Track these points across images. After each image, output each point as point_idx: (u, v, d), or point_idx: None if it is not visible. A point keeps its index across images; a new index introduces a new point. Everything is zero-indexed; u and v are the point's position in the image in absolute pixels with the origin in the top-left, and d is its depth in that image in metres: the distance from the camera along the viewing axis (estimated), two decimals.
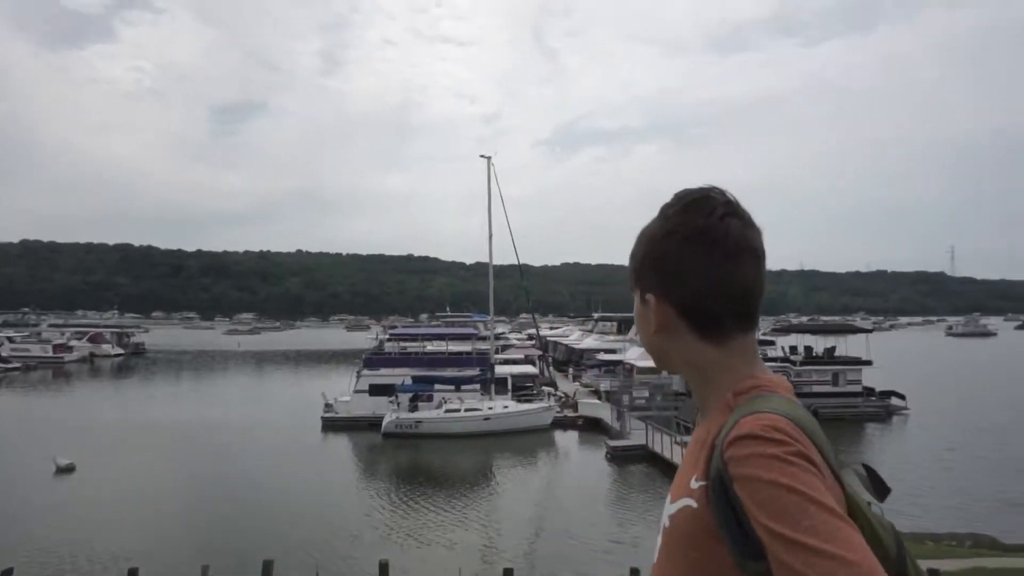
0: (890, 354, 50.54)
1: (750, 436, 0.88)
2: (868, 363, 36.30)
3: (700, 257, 1.04)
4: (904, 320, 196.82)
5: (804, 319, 76.24)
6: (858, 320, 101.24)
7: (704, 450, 0.98)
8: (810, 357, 37.30)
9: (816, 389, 34.73)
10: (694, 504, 0.96)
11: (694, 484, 0.97)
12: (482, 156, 37.87)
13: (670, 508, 1.01)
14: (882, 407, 35.78)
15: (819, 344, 38.58)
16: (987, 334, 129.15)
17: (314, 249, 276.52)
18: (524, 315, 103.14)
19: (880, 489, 1.04)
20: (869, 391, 36.26)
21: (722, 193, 1.08)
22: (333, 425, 32.43)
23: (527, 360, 44.36)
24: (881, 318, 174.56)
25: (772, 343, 42.25)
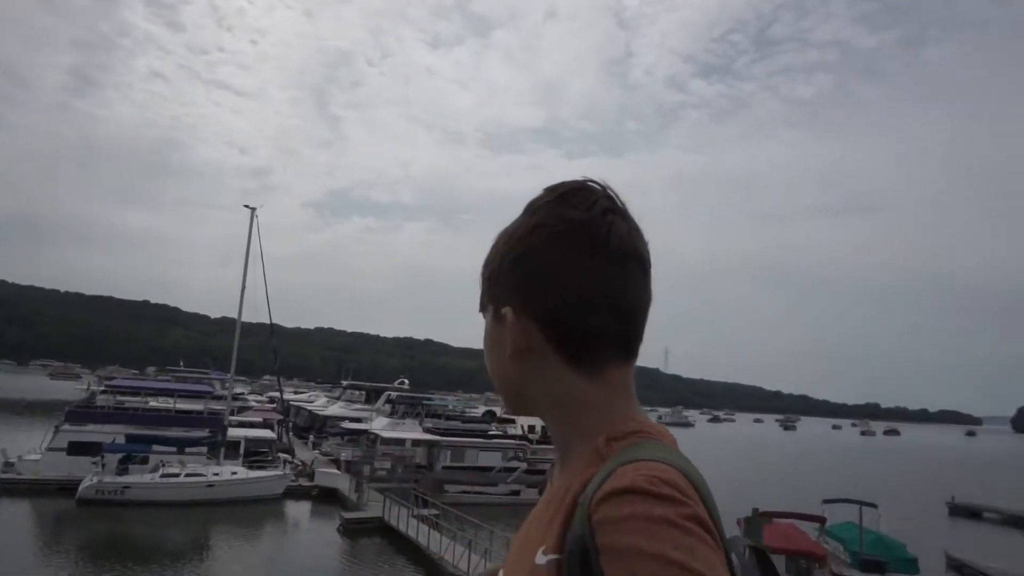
0: None
1: (631, 491, 0.63)
2: None
3: (575, 258, 0.78)
4: None
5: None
6: None
7: (560, 512, 0.71)
8: (545, 436, 39.61)
9: (548, 466, 36.86)
10: None
11: (541, 559, 0.70)
12: (247, 206, 35.94)
13: None
14: None
15: None
16: (687, 424, 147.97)
17: (22, 281, 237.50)
18: (268, 376, 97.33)
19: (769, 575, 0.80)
20: None
21: (602, 186, 0.83)
22: (12, 489, 27.15)
23: (265, 424, 41.57)
24: None
25: (512, 421, 44.36)
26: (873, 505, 24.16)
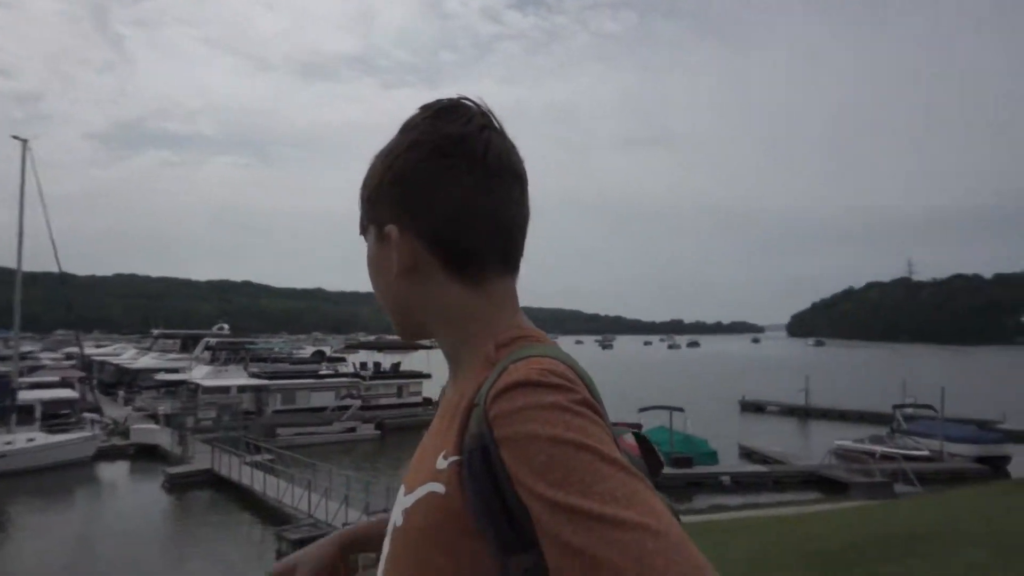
0: (442, 365, 56.48)
1: (523, 383, 0.66)
2: (428, 376, 40.09)
3: (456, 173, 0.79)
4: None
5: (372, 338, 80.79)
6: None
7: (457, 417, 0.73)
8: (378, 372, 39.62)
9: (383, 402, 37.08)
10: (442, 489, 0.70)
11: (442, 463, 0.72)
12: (15, 137, 31.11)
13: (403, 502, 0.76)
14: None
15: (386, 360, 41.29)
16: None
17: None
18: (62, 331, 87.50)
19: (653, 463, 0.85)
20: (428, 401, 40.07)
21: (476, 103, 0.83)
22: None
23: (64, 383, 37.65)
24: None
25: (343, 360, 43.77)
26: (680, 409, 27.08)
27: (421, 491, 0.73)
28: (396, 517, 0.77)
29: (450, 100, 0.83)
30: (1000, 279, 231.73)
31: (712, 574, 0.55)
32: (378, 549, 0.89)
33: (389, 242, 0.82)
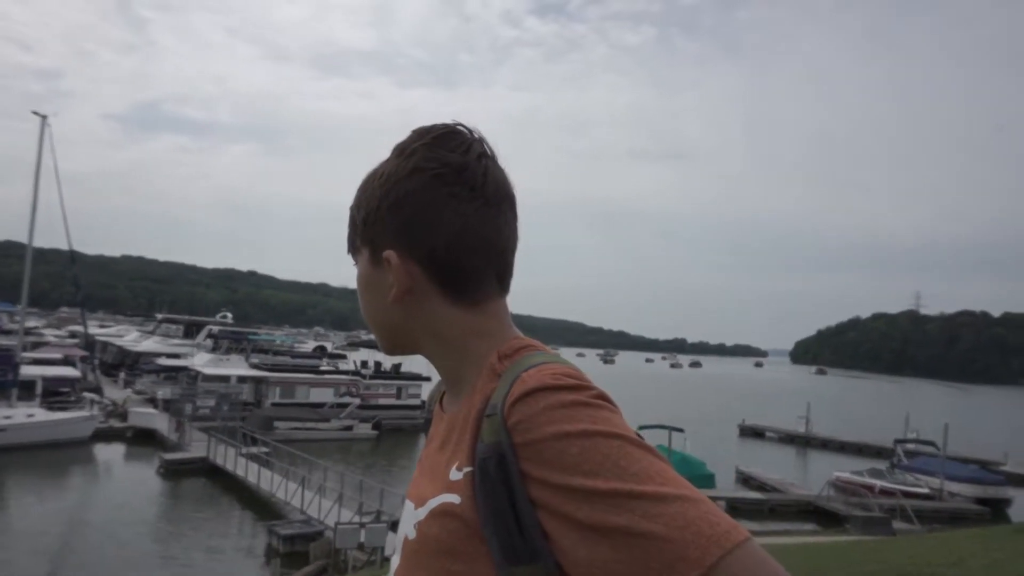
0: None
1: (539, 389, 0.68)
2: (427, 379, 40.00)
3: (457, 201, 0.81)
4: None
5: (374, 336, 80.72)
6: None
7: (467, 430, 0.75)
8: (379, 372, 39.55)
9: (382, 402, 37.00)
10: (457, 500, 0.72)
11: (456, 475, 0.73)
12: (35, 113, 31.29)
13: (416, 515, 0.77)
14: None
15: (387, 361, 41.21)
16: None
17: None
18: (67, 309, 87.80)
19: None
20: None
21: (471, 130, 0.85)
22: None
23: (67, 361, 37.77)
24: None
25: (344, 356, 43.73)
26: (680, 430, 26.87)
27: (434, 502, 0.74)
28: (407, 531, 0.78)
29: (445, 126, 0.85)
30: (1008, 319, 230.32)
31: (744, 531, 0.59)
32: None
33: (386, 266, 0.83)
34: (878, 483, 25.39)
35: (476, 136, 0.85)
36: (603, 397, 0.69)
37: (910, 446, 31.57)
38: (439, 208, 0.81)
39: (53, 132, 31.30)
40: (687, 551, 0.57)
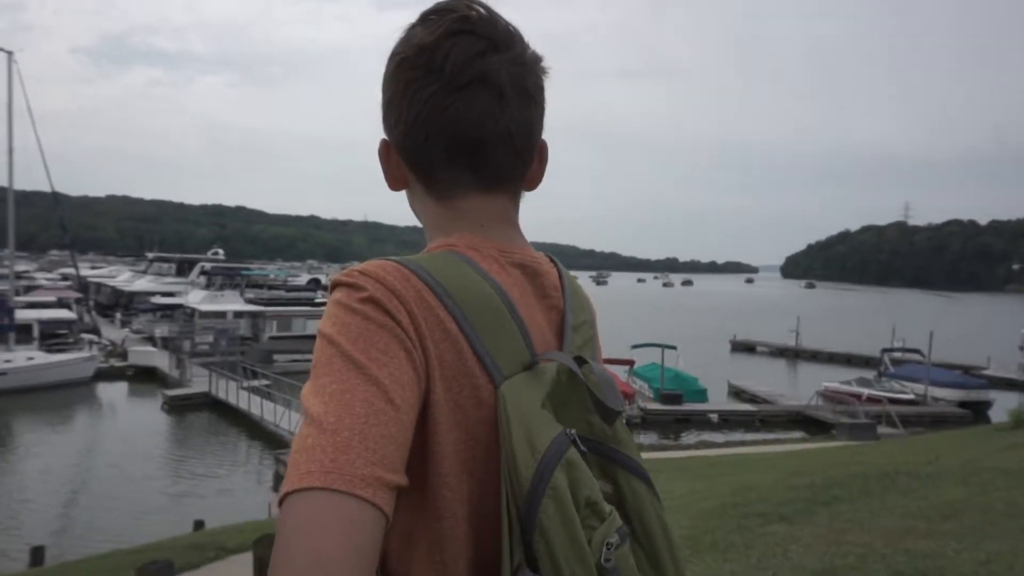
0: None
1: (331, 284, 0.70)
2: None
3: (413, 85, 0.76)
4: None
5: None
6: None
7: None
8: None
9: None
10: None
11: None
12: (1, 49, 30.29)
13: None
14: None
15: None
16: None
17: None
18: (56, 252, 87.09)
19: (603, 411, 0.72)
20: None
21: (468, 5, 0.77)
22: None
23: (61, 304, 37.78)
24: None
25: None
26: (673, 347, 27.44)
27: None
28: None
29: (439, 3, 0.79)
30: (995, 226, 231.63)
31: (313, 481, 0.55)
32: None
33: (382, 152, 0.84)
34: (865, 391, 26.14)
35: (463, 11, 0.77)
36: (371, 300, 0.65)
37: (897, 355, 32.33)
38: (400, 96, 0.78)
39: (21, 70, 30.38)
40: (288, 474, 0.57)
